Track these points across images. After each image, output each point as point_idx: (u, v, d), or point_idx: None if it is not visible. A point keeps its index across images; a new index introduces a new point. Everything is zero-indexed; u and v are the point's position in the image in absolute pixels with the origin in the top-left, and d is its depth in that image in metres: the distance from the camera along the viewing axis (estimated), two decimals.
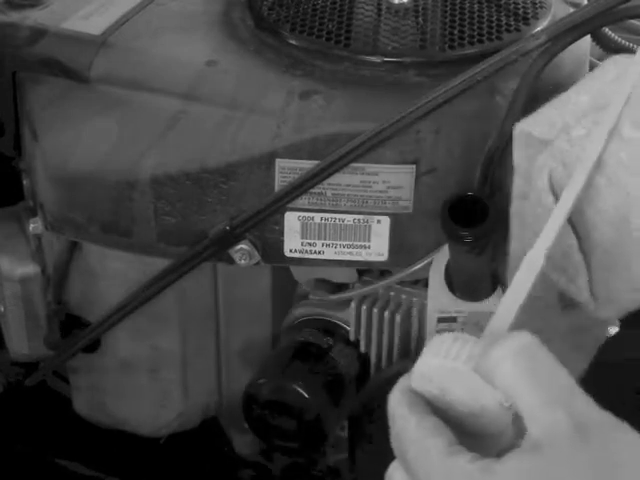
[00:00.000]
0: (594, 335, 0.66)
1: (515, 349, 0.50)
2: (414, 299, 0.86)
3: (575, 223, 0.61)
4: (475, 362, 0.51)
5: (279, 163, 0.78)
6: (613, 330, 0.90)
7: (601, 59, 0.96)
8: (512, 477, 0.48)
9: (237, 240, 0.80)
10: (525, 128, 0.62)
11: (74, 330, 0.92)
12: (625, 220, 0.61)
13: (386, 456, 0.84)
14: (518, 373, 0.50)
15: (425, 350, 0.54)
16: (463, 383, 0.52)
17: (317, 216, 0.80)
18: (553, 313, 0.65)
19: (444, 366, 0.52)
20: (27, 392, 0.99)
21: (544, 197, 0.62)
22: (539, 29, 0.83)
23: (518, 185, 0.63)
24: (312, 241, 0.81)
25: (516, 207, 0.64)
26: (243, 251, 0.81)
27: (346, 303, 0.88)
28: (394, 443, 0.52)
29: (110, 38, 0.86)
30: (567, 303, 0.64)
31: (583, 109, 0.62)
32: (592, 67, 0.90)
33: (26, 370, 1.00)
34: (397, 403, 0.53)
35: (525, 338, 0.51)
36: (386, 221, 0.79)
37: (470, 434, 0.52)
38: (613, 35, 0.91)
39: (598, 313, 0.64)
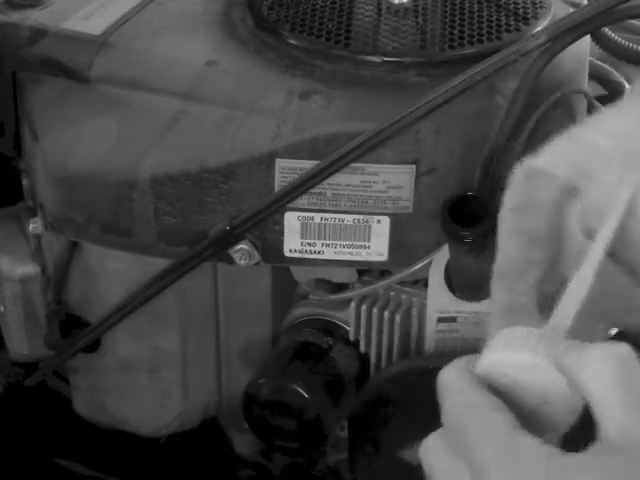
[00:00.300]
0: None
1: (611, 354, 0.50)
2: (414, 299, 0.86)
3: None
4: (556, 358, 0.51)
5: (279, 163, 0.78)
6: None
7: (601, 59, 0.96)
8: (582, 472, 0.47)
9: (237, 240, 0.80)
10: (535, 164, 0.59)
11: (74, 330, 0.92)
12: None
13: (386, 457, 0.84)
14: (608, 376, 0.49)
15: (494, 341, 0.54)
16: (537, 378, 0.52)
17: (317, 216, 0.80)
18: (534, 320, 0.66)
19: (522, 359, 0.52)
20: (27, 392, 0.99)
21: (580, 243, 0.61)
22: (539, 29, 0.83)
23: (513, 200, 0.62)
24: (312, 241, 0.81)
25: (510, 219, 0.62)
26: (243, 251, 0.81)
27: (346, 303, 0.88)
28: (446, 419, 0.51)
29: (110, 38, 0.86)
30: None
31: (609, 153, 0.60)
32: (592, 67, 0.90)
33: (26, 370, 1.00)
34: (455, 377, 0.52)
35: (624, 348, 0.50)
36: (386, 221, 0.79)
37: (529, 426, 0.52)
38: (613, 35, 0.91)
39: None
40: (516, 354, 0.53)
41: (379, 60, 0.81)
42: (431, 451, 0.51)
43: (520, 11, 0.86)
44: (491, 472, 0.47)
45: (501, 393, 0.52)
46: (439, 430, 0.52)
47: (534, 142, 0.78)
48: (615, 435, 0.48)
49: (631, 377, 0.49)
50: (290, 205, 0.79)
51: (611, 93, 0.99)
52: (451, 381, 0.52)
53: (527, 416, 0.53)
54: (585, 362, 0.50)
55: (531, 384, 0.53)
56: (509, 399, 0.53)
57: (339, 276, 0.88)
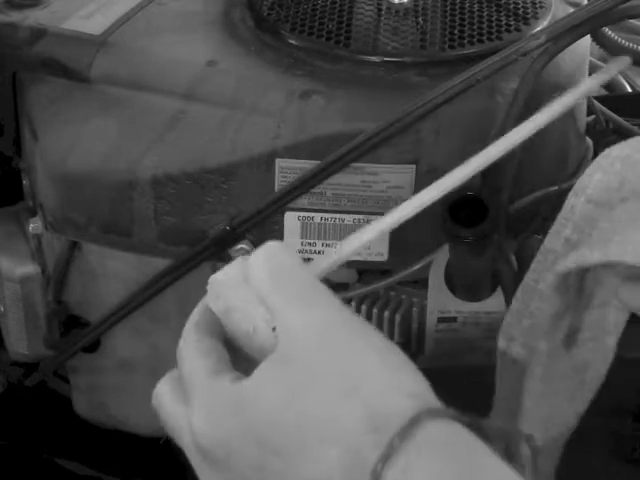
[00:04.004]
0: (595, 369, 0.67)
1: (264, 254, 0.52)
2: (414, 299, 0.86)
3: None
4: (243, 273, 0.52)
5: (279, 163, 0.78)
6: None
7: (601, 59, 0.96)
8: (256, 388, 0.49)
9: (237, 240, 0.80)
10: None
11: (74, 330, 0.92)
12: None
13: None
14: (264, 276, 0.51)
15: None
16: (242, 299, 0.52)
17: (317, 216, 0.80)
18: (558, 356, 0.66)
19: (227, 281, 0.53)
20: (27, 392, 0.99)
21: None
22: (539, 29, 0.83)
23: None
24: (312, 241, 0.81)
25: None
26: (243, 251, 0.81)
27: (346, 303, 0.88)
28: (177, 358, 0.55)
29: (110, 38, 0.86)
30: (571, 343, 0.65)
31: None
32: (592, 67, 0.90)
33: (26, 370, 1.00)
34: (189, 321, 0.56)
35: (272, 244, 0.52)
36: None
37: (250, 355, 0.53)
38: (613, 35, 0.91)
39: None
40: (223, 275, 0.54)
41: (379, 60, 0.81)
42: (158, 395, 0.55)
43: (520, 11, 0.86)
44: (194, 412, 0.51)
45: (225, 321, 0.53)
46: (167, 375, 0.56)
47: (534, 141, 0.78)
48: (278, 336, 0.49)
49: (278, 271, 0.51)
50: (290, 205, 0.79)
51: (611, 93, 0.99)
52: (187, 324, 0.56)
53: (246, 343, 0.53)
54: (249, 270, 0.52)
55: (239, 306, 0.52)
56: (231, 327, 0.53)
57: (339, 276, 0.88)
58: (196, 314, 0.56)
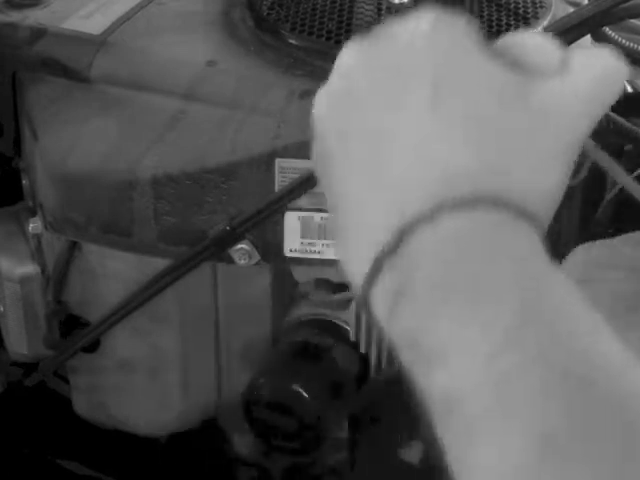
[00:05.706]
0: None
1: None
2: None
3: None
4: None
5: (279, 163, 0.78)
6: None
7: None
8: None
9: (237, 240, 0.80)
10: None
11: (74, 330, 0.92)
12: None
13: (386, 457, 0.83)
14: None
15: None
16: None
17: (317, 216, 0.80)
18: None
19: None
20: (27, 392, 0.99)
21: None
22: (539, 29, 0.83)
23: None
24: (312, 241, 0.81)
25: None
26: (243, 251, 0.81)
27: (347, 303, 0.88)
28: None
29: (110, 38, 0.86)
30: None
31: None
32: None
33: (26, 370, 1.00)
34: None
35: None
36: None
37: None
38: (613, 35, 0.91)
39: None
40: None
41: None
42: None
43: (520, 11, 0.86)
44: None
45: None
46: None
47: None
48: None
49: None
50: (290, 205, 0.79)
51: None
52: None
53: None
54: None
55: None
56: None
57: (339, 276, 0.88)
58: None
